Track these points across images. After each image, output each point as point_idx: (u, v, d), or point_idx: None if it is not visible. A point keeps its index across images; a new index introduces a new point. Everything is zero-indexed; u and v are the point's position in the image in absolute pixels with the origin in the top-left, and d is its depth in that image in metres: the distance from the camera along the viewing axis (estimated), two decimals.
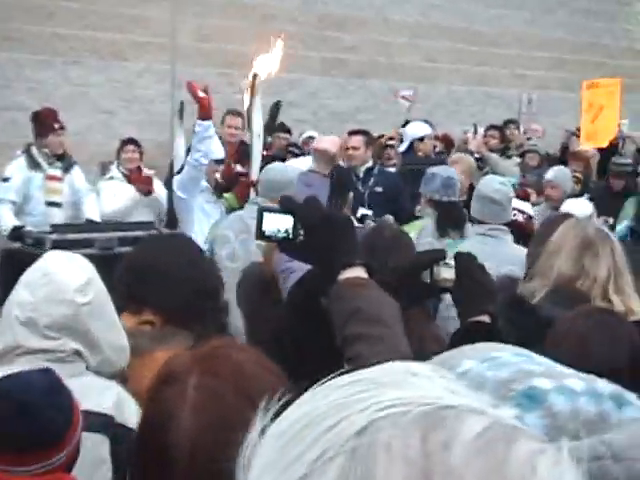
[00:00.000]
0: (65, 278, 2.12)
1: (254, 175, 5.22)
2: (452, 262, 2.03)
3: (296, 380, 1.64)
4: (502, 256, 3.06)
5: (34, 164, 6.20)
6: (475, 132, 7.94)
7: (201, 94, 5.48)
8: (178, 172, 5.81)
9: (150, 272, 2.35)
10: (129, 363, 2.14)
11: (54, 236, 5.14)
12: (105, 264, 2.30)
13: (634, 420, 0.59)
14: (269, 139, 7.45)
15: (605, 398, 0.62)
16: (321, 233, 1.71)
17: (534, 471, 0.50)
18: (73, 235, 5.16)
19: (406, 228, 5.25)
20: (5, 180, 6.16)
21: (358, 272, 1.67)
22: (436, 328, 2.61)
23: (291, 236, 1.73)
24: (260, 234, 1.78)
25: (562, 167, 7.14)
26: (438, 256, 2.07)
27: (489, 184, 4.38)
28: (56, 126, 6.30)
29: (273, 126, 7.36)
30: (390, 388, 0.54)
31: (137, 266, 2.40)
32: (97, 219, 6.19)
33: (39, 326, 2.09)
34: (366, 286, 1.65)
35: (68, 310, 2.10)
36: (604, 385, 0.64)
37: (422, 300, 2.16)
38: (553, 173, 6.62)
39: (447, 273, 2.01)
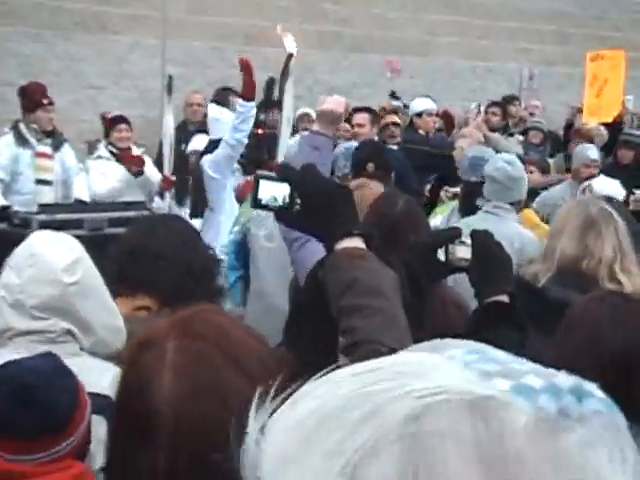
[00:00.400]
0: (51, 258, 2.13)
1: (280, 159, 5.23)
2: (468, 241, 2.03)
3: (310, 353, 1.64)
4: (500, 234, 3.11)
5: (22, 141, 6.17)
6: (479, 112, 7.93)
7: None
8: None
9: (144, 253, 2.36)
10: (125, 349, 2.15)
11: (42, 217, 5.13)
12: (95, 245, 2.31)
13: (595, 413, 0.61)
14: (262, 117, 7.42)
15: (565, 393, 0.62)
16: (318, 202, 1.70)
17: (587, 460, 0.55)
18: (62, 215, 5.14)
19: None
20: None
21: (356, 242, 1.67)
22: (458, 295, 2.60)
23: (287, 205, 1.72)
24: (256, 202, 1.77)
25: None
26: (454, 234, 2.06)
27: (492, 163, 4.47)
28: (45, 101, 6.26)
29: (269, 104, 7.36)
30: (413, 378, 0.56)
31: (130, 247, 2.41)
32: (86, 199, 6.17)
33: (27, 307, 2.10)
34: (364, 257, 1.64)
35: (55, 290, 2.11)
36: (563, 379, 0.64)
37: (438, 279, 2.15)
38: (598, 153, 6.64)
39: (463, 252, 2.01)
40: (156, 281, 2.31)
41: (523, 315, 1.97)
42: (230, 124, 5.52)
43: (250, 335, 1.25)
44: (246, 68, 5.56)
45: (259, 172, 1.84)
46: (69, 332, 2.13)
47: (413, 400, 0.54)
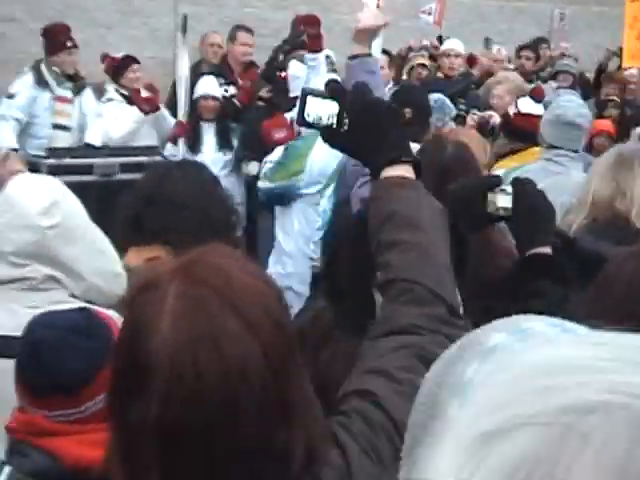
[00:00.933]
0: (26, 203, 2.13)
1: None
2: (509, 189, 1.98)
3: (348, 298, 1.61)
4: (563, 185, 3.05)
5: (42, 83, 6.12)
6: (488, 47, 7.82)
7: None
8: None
9: (161, 201, 2.33)
10: None
11: (50, 161, 5.11)
12: (105, 192, 2.29)
13: None
14: (281, 57, 7.32)
15: None
16: (366, 123, 1.64)
17: None
18: (71, 160, 5.13)
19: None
20: (10, 97, 6.06)
21: (403, 170, 1.60)
22: (511, 244, 2.55)
23: (335, 124, 1.67)
24: (302, 119, 1.72)
25: None
26: (492, 182, 2.01)
27: (570, 106, 4.19)
28: (68, 44, 6.20)
29: (294, 44, 7.25)
30: (634, 368, 0.52)
31: (147, 194, 2.37)
32: (97, 144, 6.14)
33: (4, 254, 2.11)
34: (406, 186, 1.58)
35: (33, 235, 2.10)
36: None
37: (477, 229, 2.09)
38: None
39: (503, 201, 1.97)
40: (172, 231, 2.28)
41: (566, 268, 1.93)
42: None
43: (259, 280, 1.24)
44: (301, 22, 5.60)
45: (306, 87, 1.78)
46: (52, 278, 2.11)
47: (597, 393, 0.50)
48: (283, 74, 6.10)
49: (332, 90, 1.70)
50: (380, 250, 1.52)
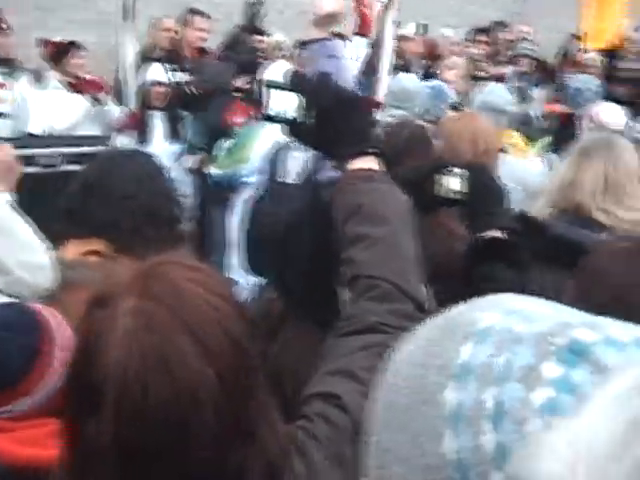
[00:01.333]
0: None
1: (381, 95, 5.16)
2: (459, 171, 1.98)
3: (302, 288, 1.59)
4: (504, 172, 3.09)
5: None
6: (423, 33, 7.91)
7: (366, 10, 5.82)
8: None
9: (100, 192, 2.30)
10: (61, 298, 2.09)
11: None
12: (49, 183, 2.25)
13: None
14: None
15: None
16: (332, 116, 1.64)
17: None
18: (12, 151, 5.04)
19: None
20: None
21: (369, 162, 1.61)
22: (465, 230, 2.58)
23: (299, 118, 1.66)
24: (265, 114, 1.71)
25: None
26: (439, 165, 2.02)
27: (497, 93, 4.37)
28: (2, 26, 6.09)
29: (251, 28, 7.19)
30: None
31: (85, 185, 2.34)
32: (40, 133, 6.03)
33: None
34: (372, 179, 1.58)
35: None
36: None
37: (426, 211, 2.10)
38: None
39: (453, 183, 1.97)
40: (112, 224, 2.25)
41: (523, 253, 1.93)
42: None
43: (218, 296, 1.20)
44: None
45: (269, 80, 1.76)
46: None
47: None
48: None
49: (294, 82, 1.70)
50: (345, 245, 1.51)
